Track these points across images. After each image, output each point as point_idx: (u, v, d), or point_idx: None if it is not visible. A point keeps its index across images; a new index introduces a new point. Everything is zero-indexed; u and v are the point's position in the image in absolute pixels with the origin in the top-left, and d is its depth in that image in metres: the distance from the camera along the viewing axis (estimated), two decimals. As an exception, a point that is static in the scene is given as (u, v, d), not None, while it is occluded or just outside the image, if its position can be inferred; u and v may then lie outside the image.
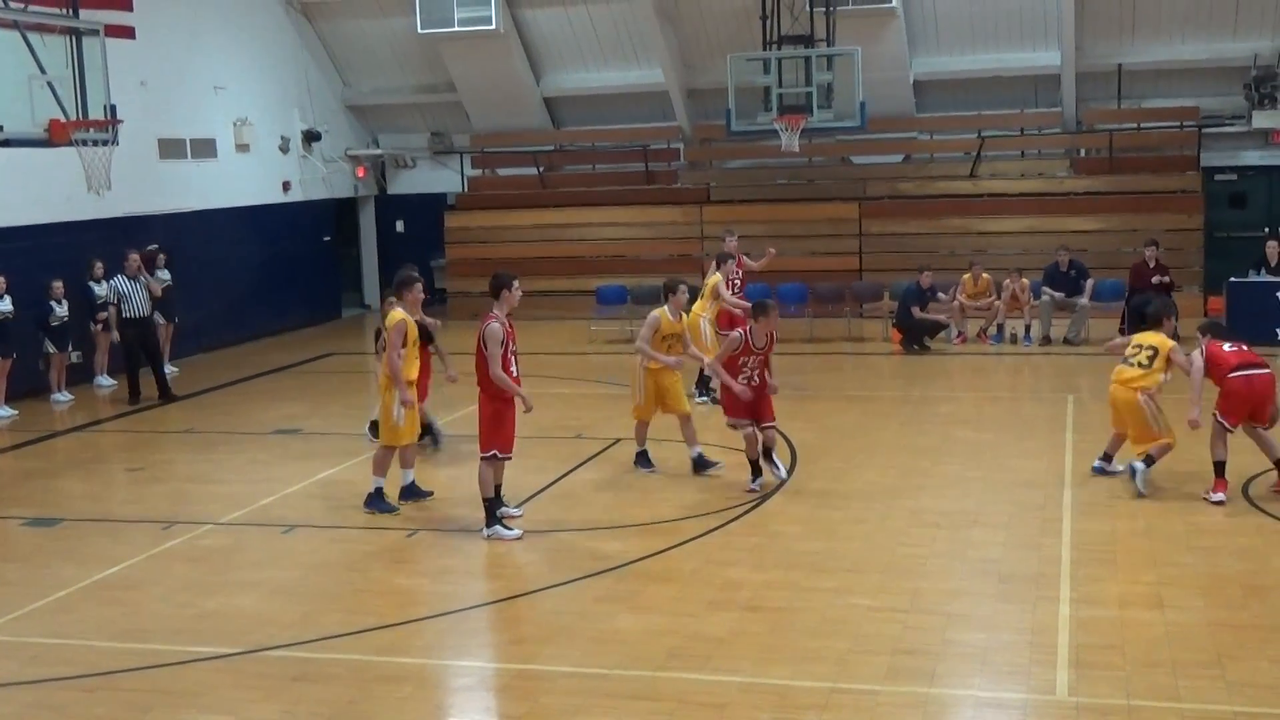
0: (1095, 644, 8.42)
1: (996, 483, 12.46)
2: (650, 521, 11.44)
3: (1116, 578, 9.73)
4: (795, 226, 24.87)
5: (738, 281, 16.95)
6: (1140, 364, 12.04)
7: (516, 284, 11.27)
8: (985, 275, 21.01)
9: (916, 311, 20.48)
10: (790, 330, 21.78)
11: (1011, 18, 23.70)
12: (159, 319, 19.83)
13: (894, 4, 22.90)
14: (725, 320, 16.21)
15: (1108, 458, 12.56)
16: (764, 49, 21.40)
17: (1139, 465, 11.85)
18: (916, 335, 20.47)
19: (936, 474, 12.88)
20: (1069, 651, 8.29)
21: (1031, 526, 11.07)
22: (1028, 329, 20.65)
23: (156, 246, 20.08)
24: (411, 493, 12.30)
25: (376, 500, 12.05)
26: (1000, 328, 20.94)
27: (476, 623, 9.41)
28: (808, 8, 21.60)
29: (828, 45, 21.34)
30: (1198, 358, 11.76)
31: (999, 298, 20.84)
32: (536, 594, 9.67)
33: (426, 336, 12.76)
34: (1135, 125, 24.54)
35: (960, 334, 20.96)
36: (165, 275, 20.12)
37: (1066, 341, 20.21)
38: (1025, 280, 20.88)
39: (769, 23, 21.45)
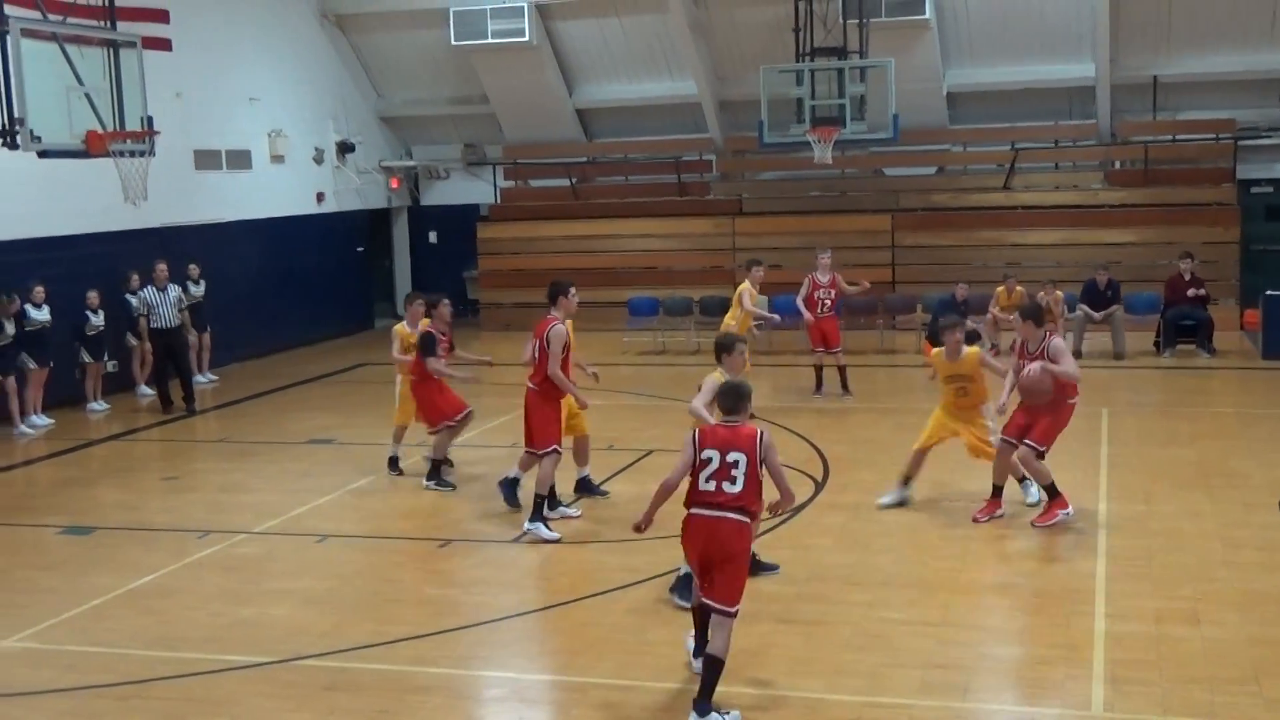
0: (1131, 659, 8.35)
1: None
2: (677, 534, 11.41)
3: (1152, 593, 9.65)
4: (827, 238, 24.69)
5: (828, 301, 17.95)
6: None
7: (573, 290, 11.69)
8: (1019, 288, 20.89)
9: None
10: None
11: (1046, 29, 23.61)
12: (194, 330, 20.09)
13: (928, 15, 22.85)
14: None
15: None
16: (797, 60, 21.38)
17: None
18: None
19: (969, 487, 12.80)
20: (1104, 667, 8.23)
21: (1066, 540, 11.00)
22: (1061, 342, 20.50)
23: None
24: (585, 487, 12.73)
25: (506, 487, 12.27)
26: (995, 347, 20.76)
27: (508, 634, 9.41)
28: (841, 19, 21.57)
29: (861, 57, 21.31)
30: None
31: (1032, 311, 20.71)
32: (568, 605, 9.66)
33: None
34: (1171, 137, 24.41)
35: (993, 347, 20.82)
36: (199, 290, 20.35)
37: (1116, 356, 20.07)
38: (1059, 293, 20.76)
39: (802, 34, 21.43)
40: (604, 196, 26.97)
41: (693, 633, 8.31)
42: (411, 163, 28.32)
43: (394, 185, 28.04)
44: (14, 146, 13.60)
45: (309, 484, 13.86)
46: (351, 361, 22.74)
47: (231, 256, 21.42)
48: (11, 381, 16.89)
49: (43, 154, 14.30)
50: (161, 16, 19.64)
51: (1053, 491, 11.33)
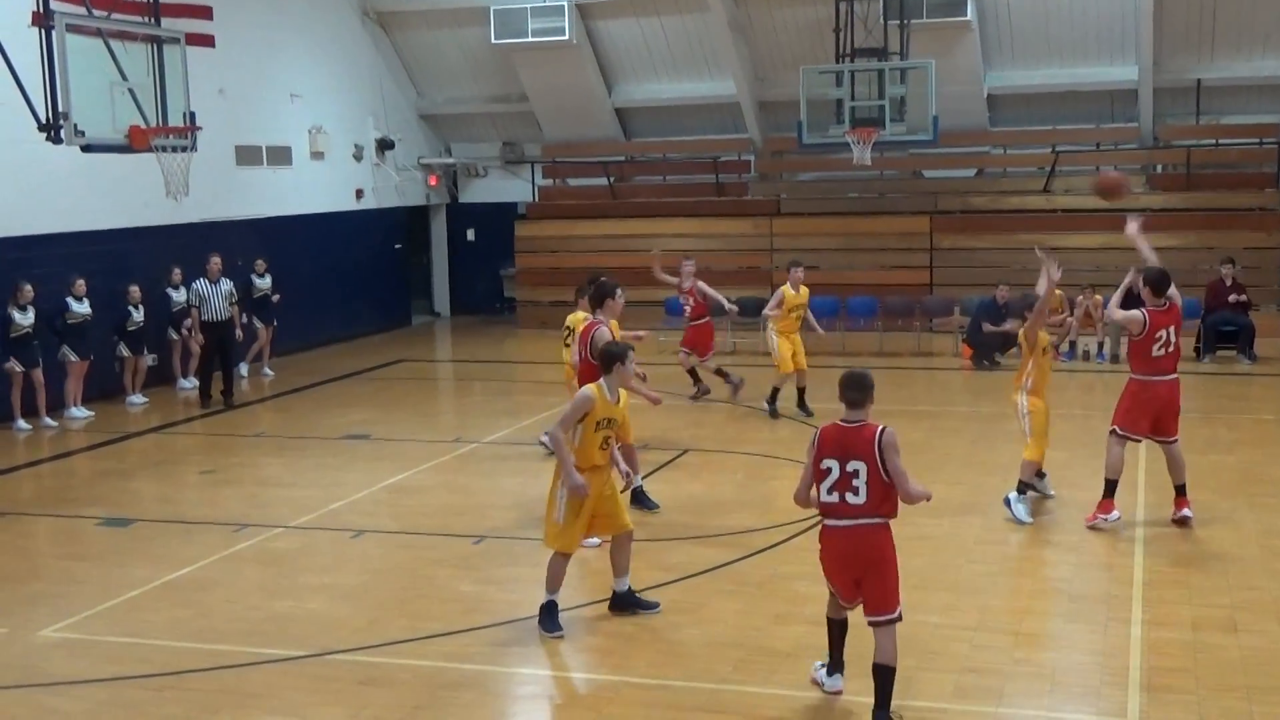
0: (1168, 667, 8.29)
1: (1067, 501, 12.29)
2: (717, 533, 11.41)
3: (1190, 600, 9.57)
4: (866, 240, 24.76)
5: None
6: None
7: (620, 292, 11.60)
8: (1058, 291, 20.75)
9: (987, 326, 20.29)
10: (860, 344, 21.71)
11: (1088, 31, 23.46)
12: (257, 323, 20.33)
13: (969, 17, 22.74)
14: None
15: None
16: (836, 61, 21.32)
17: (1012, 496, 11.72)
18: (987, 351, 20.28)
19: (1006, 491, 12.73)
20: (1141, 674, 8.17)
21: (1103, 546, 10.93)
22: (1101, 346, 20.40)
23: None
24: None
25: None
26: (1073, 344, 20.70)
27: (541, 631, 9.40)
28: (881, 20, 21.51)
29: (901, 58, 21.24)
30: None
31: (1071, 314, 20.60)
32: (601, 604, 9.66)
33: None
34: (1213, 141, 24.21)
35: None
36: (266, 282, 20.61)
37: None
38: (1099, 297, 20.62)
39: (842, 35, 21.37)
40: (642, 196, 26.97)
41: (823, 664, 8.03)
42: (450, 160, 28.41)
43: (433, 183, 28.13)
44: (58, 141, 13.69)
45: (345, 479, 13.92)
46: (389, 358, 22.84)
47: (271, 252, 21.53)
48: (38, 374, 17.00)
49: (86, 148, 14.39)
50: (205, 13, 19.77)
51: (1109, 490, 11.26)
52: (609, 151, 27.11)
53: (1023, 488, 11.74)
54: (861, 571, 7.49)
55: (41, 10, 13.48)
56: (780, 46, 24.69)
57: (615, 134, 27.16)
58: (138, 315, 18.50)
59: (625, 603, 9.42)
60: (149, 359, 19.04)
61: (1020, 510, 11.61)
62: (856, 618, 7.81)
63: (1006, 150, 25.40)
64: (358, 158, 25.61)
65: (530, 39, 24.68)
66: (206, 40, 19.41)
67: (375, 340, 25.02)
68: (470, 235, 28.76)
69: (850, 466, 7.37)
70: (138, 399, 18.61)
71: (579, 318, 12.64)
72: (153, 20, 14.94)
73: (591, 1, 24.74)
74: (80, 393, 17.74)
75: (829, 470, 7.44)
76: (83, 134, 13.79)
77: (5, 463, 15.27)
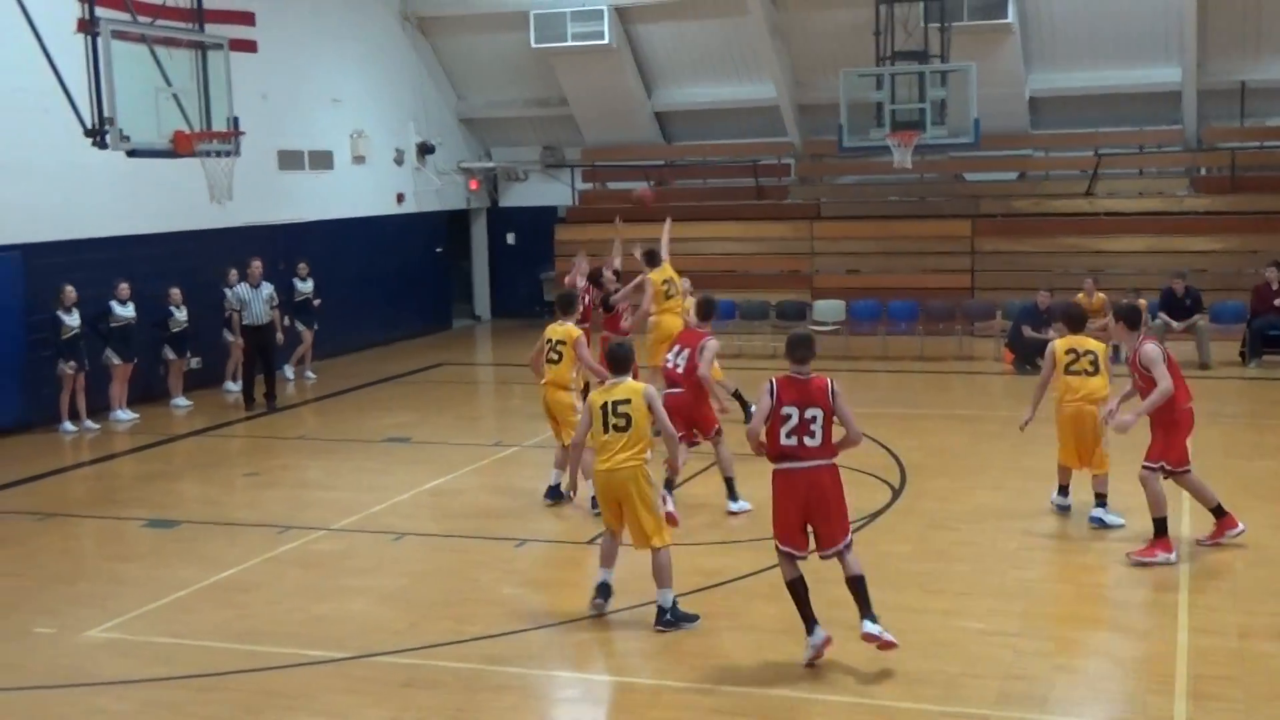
0: (1213, 675, 8.21)
1: (1111, 507, 12.19)
2: (757, 538, 11.38)
3: (1235, 607, 9.48)
4: (906, 243, 24.68)
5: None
6: (1087, 371, 11.36)
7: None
8: (1100, 294, 20.63)
9: (1028, 330, 20.17)
10: (900, 348, 21.64)
11: (1131, 33, 23.28)
12: (299, 326, 20.49)
13: (1011, 19, 22.63)
14: None
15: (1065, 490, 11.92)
16: (877, 64, 21.26)
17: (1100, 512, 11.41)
18: (1029, 355, 20.13)
19: (1049, 496, 12.65)
20: (1186, 682, 8.09)
21: (1147, 552, 10.83)
22: (1144, 350, 20.21)
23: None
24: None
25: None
26: (1115, 349, 20.51)
27: (581, 635, 9.42)
28: (922, 23, 21.43)
29: (942, 61, 21.16)
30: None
31: (1113, 317, 20.42)
32: (642, 608, 9.65)
33: None
34: (1258, 144, 23.97)
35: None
36: (308, 285, 20.76)
37: (1202, 366, 19.75)
38: (1143, 301, 20.43)
39: (882, 38, 21.32)
40: (682, 199, 26.94)
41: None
42: (490, 164, 28.50)
43: (473, 186, 28.22)
44: (104, 146, 13.82)
45: (386, 482, 13.98)
46: (429, 361, 22.92)
47: (312, 256, 21.66)
48: (82, 378, 17.15)
49: (131, 153, 14.53)
50: (248, 19, 19.85)
51: (1160, 528, 10.47)
52: (649, 155, 27.12)
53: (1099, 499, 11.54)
54: (812, 510, 8.43)
55: (87, 17, 13.61)
56: (820, 50, 24.63)
57: (655, 138, 27.18)
58: (180, 316, 18.65)
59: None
60: (193, 361, 19.18)
61: (1109, 517, 11.44)
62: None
63: (1049, 153, 25.25)
64: (398, 162, 25.73)
65: (570, 43, 24.73)
66: (249, 46, 19.50)
67: (416, 344, 25.12)
68: (510, 239, 28.84)
69: (809, 413, 8.33)
70: (182, 401, 18.75)
71: (568, 330, 12.38)
72: (197, 26, 15.07)
73: (631, 5, 24.77)
74: (125, 395, 17.91)
75: (789, 416, 8.34)
76: (128, 139, 13.91)
77: (52, 464, 15.43)
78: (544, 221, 27.49)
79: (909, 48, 21.36)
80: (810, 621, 8.49)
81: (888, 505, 12.42)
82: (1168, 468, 10.53)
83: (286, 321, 20.35)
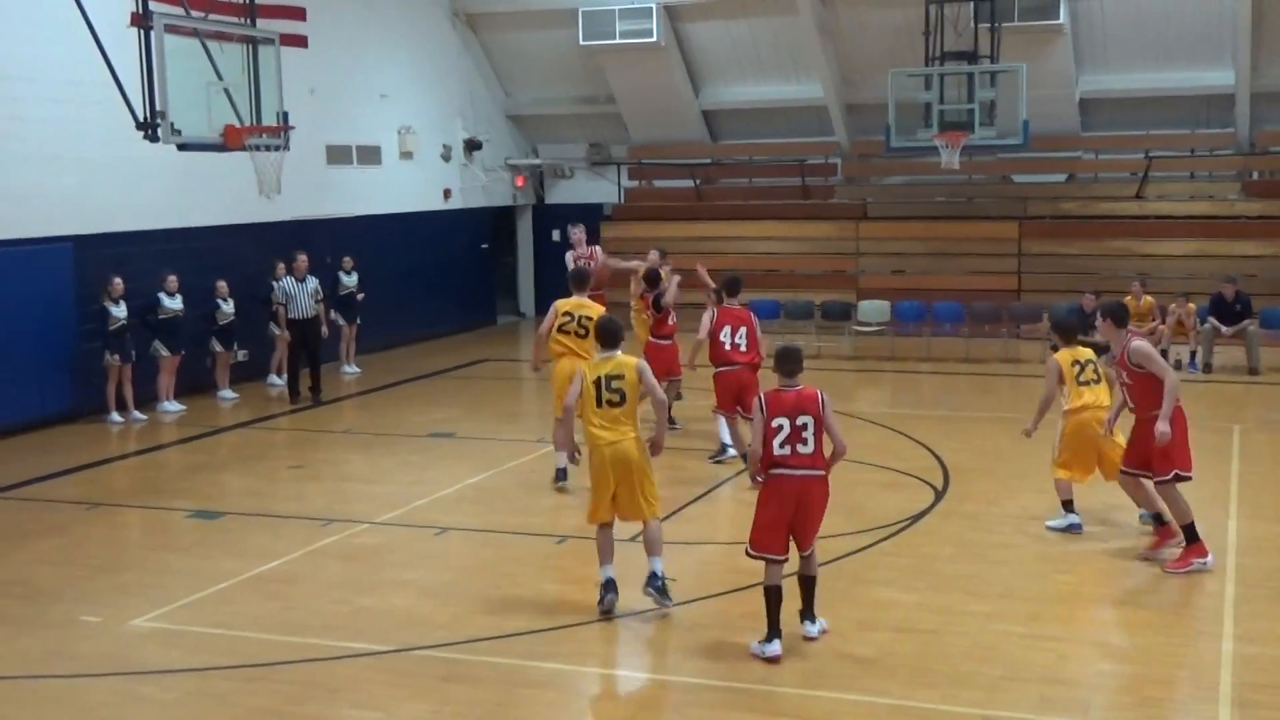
0: (1259, 683, 8.13)
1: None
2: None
3: (1282, 615, 9.40)
4: (953, 244, 24.56)
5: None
6: (1094, 380, 11.22)
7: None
8: (1148, 297, 20.45)
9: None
10: (945, 349, 21.54)
11: (1184, 36, 23.05)
12: (340, 321, 20.61)
13: (1062, 20, 22.47)
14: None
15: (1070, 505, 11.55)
16: (926, 65, 21.18)
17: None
18: (1076, 358, 19.99)
19: (1094, 500, 12.54)
20: (1231, 690, 8.01)
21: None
22: (1193, 355, 20.05)
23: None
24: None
25: None
26: (1164, 353, 20.33)
27: (621, 632, 9.43)
28: (972, 24, 21.31)
29: (992, 62, 21.04)
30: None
31: (1163, 322, 20.28)
32: (682, 607, 9.66)
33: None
34: (1312, 148, 23.72)
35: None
36: (353, 280, 20.89)
37: (1251, 371, 19.56)
38: (1192, 305, 20.29)
39: (932, 38, 21.22)
40: (728, 198, 26.96)
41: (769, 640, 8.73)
42: (537, 161, 28.56)
43: (519, 183, 28.29)
44: (155, 139, 13.90)
45: (429, 476, 14.04)
46: (474, 357, 22.99)
47: (359, 251, 21.77)
48: (128, 369, 17.30)
49: (182, 147, 14.62)
50: (299, 14, 20.05)
51: (1190, 534, 10.31)
52: (695, 153, 27.11)
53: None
54: (798, 517, 8.70)
55: (140, 11, 13.72)
56: (869, 49, 24.53)
57: (702, 136, 27.15)
58: (227, 309, 18.79)
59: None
60: (239, 354, 19.32)
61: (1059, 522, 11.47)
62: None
63: (1098, 155, 25.06)
64: (446, 158, 25.82)
65: (618, 40, 24.75)
66: (299, 41, 19.69)
67: (460, 339, 25.21)
68: (555, 236, 28.83)
69: (799, 421, 8.60)
70: (228, 394, 18.90)
71: (590, 304, 13.19)
72: (248, 21, 15.15)
73: (680, 4, 24.75)
74: (172, 387, 18.07)
75: (780, 427, 8.60)
76: (179, 132, 13.98)
77: (99, 454, 15.59)
78: (589, 219, 27.37)
79: (958, 48, 21.25)
80: (775, 631, 8.66)
81: (930, 507, 12.36)
82: (1181, 474, 10.30)
83: (331, 315, 20.47)
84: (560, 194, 28.91)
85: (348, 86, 22.60)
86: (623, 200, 27.75)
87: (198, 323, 18.48)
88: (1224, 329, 19.90)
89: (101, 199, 17.54)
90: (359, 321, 21.34)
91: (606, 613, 9.47)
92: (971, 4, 21.50)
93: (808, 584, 9.00)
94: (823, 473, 8.71)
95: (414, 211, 24.71)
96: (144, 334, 17.61)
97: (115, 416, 17.18)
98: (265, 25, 15.64)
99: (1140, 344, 10.39)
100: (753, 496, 8.82)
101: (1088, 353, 11.42)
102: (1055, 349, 20.31)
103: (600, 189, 28.15)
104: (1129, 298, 20.49)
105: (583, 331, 12.54)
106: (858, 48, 24.70)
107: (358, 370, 21.20)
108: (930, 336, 22.10)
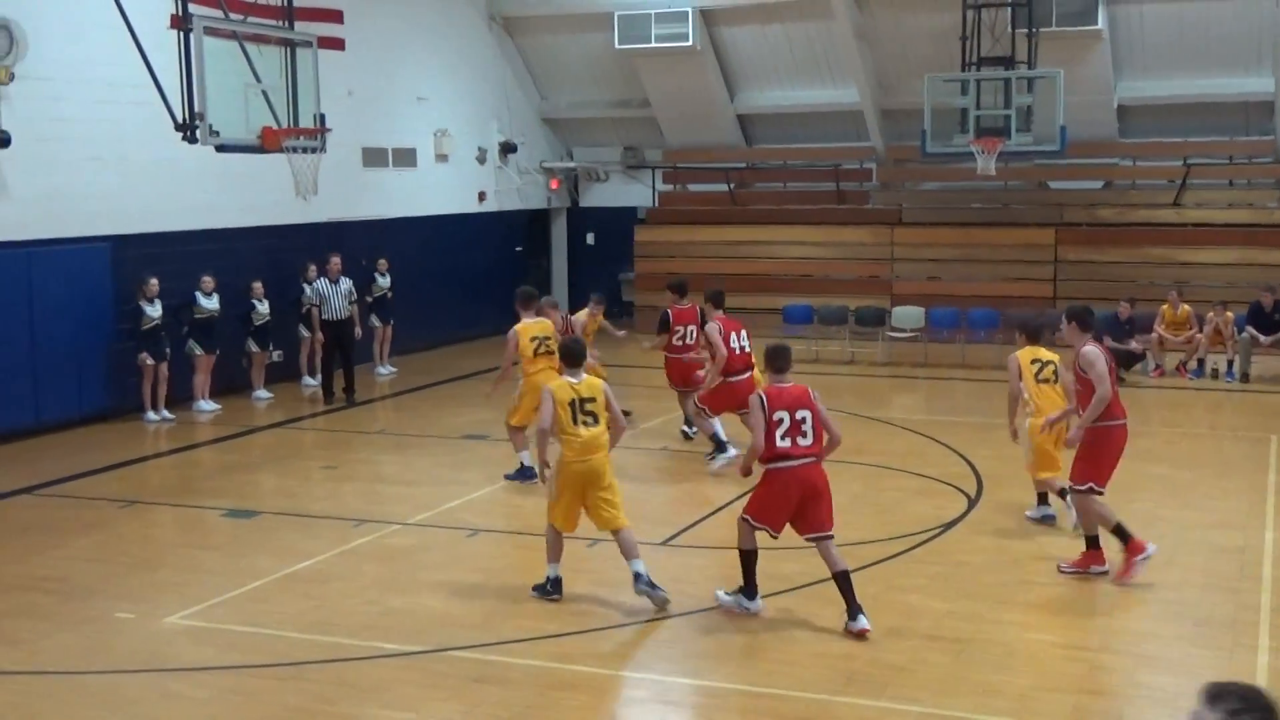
0: (1295, 696, 8.05)
1: (1192, 522, 12.03)
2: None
3: (1319, 628, 9.31)
4: (988, 251, 24.46)
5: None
6: (1051, 380, 11.52)
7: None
8: (1185, 306, 20.32)
9: (1109, 341, 19.90)
10: (979, 357, 21.44)
11: (1224, 42, 22.88)
12: (376, 322, 20.70)
13: (1100, 26, 22.34)
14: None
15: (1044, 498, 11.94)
16: (963, 70, 21.11)
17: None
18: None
19: (1129, 510, 12.41)
20: (1267, 702, 7.94)
21: (1229, 569, 10.66)
22: (1230, 364, 19.91)
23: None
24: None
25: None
26: (1201, 362, 20.23)
27: (653, 636, 9.44)
28: (1009, 29, 21.24)
29: (1029, 67, 20.96)
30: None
31: (1200, 330, 20.14)
32: (714, 611, 9.66)
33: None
34: (1352, 156, 23.51)
35: (1158, 367, 20.32)
36: (386, 281, 20.99)
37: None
38: (1229, 314, 20.13)
39: (969, 44, 21.15)
40: (762, 203, 26.93)
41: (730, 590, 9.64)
42: (572, 164, 28.61)
43: (554, 186, 28.34)
44: (193, 141, 14.01)
45: (462, 478, 14.09)
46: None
47: (394, 253, 21.86)
48: (163, 368, 17.42)
49: (220, 148, 14.72)
50: (336, 17, 20.14)
51: (1092, 543, 10.32)
52: (730, 158, 27.10)
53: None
54: (805, 503, 9.15)
55: (180, 14, 13.82)
56: (905, 54, 24.47)
57: (736, 140, 27.14)
58: (263, 309, 18.90)
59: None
60: (274, 354, 19.42)
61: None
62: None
63: (1136, 162, 24.91)
64: (481, 160, 25.90)
65: (653, 44, 24.77)
66: (337, 43, 19.77)
67: (494, 341, 25.01)
68: (590, 239, 28.93)
69: (799, 415, 9.14)
70: (263, 394, 19.00)
71: (546, 325, 13.75)
72: (287, 24, 15.25)
73: (715, 8, 24.75)
74: (208, 386, 18.18)
75: (781, 420, 9.11)
76: (217, 134, 14.09)
77: (134, 453, 15.71)
78: (624, 222, 27.55)
79: (995, 53, 21.18)
80: (753, 589, 9.49)
81: (963, 514, 12.32)
82: (1095, 488, 10.28)
83: (367, 317, 20.58)
84: (594, 197, 28.95)
85: (384, 89, 22.70)
86: (657, 204, 27.76)
87: (233, 323, 18.59)
88: (1262, 338, 19.75)
89: (140, 199, 17.69)
90: (393, 322, 21.43)
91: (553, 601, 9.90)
92: (1009, 9, 21.43)
93: (844, 579, 9.18)
94: (818, 459, 9.24)
95: (449, 214, 24.79)
96: (179, 334, 17.72)
97: (151, 415, 17.30)
98: (303, 28, 15.74)
99: (1089, 350, 10.33)
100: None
101: (1047, 353, 11.70)
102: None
103: (634, 192, 28.17)
104: (1166, 306, 20.40)
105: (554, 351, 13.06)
106: (894, 53, 24.64)
107: (393, 371, 21.30)
108: (964, 343, 22.01)
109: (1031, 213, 24.87)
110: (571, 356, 10.02)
